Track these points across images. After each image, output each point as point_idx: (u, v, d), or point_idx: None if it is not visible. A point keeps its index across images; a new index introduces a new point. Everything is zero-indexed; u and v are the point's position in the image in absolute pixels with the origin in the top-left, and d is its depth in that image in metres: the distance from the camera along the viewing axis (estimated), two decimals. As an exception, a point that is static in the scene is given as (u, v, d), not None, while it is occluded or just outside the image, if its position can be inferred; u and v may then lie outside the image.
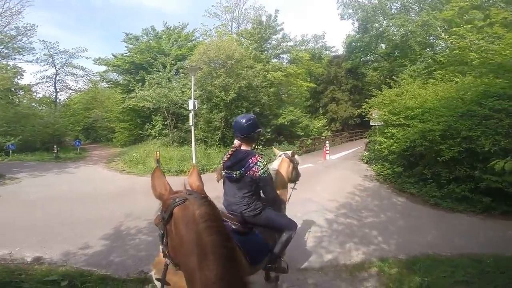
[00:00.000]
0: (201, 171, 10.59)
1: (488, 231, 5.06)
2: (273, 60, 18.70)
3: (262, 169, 2.17)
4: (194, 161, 10.84)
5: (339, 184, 8.28)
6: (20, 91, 27.04)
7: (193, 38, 21.68)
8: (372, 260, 3.81)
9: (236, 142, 2.31)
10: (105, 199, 6.98)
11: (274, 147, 3.61)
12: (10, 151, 14.41)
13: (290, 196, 3.03)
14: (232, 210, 2.28)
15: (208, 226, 0.92)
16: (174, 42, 19.58)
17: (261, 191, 2.33)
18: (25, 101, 25.82)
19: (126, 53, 20.36)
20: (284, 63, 20.28)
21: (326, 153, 13.79)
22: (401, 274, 3.44)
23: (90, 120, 28.60)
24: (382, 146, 9.10)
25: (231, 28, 25.57)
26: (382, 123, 10.48)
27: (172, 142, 14.64)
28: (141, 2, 54.52)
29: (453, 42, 11.96)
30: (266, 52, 18.31)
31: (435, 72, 11.73)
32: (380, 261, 3.75)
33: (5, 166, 12.11)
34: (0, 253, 3.81)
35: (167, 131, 15.76)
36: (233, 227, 2.15)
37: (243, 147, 2.30)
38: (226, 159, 2.27)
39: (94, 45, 57.34)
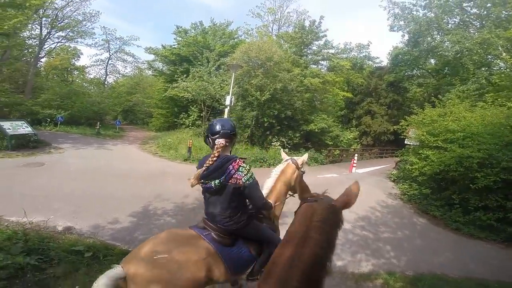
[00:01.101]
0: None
1: (504, 260, 4.93)
2: (312, 66, 18.58)
3: (245, 175, 1.90)
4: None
5: (361, 198, 8.02)
6: (75, 71, 30.08)
7: (236, 36, 22.26)
8: (379, 272, 3.86)
9: (219, 141, 1.97)
10: (138, 178, 7.39)
11: (283, 150, 3.38)
12: (59, 123, 15.91)
13: (282, 206, 2.70)
14: (214, 221, 2.02)
15: (317, 226, 1.01)
16: (219, 39, 20.30)
17: (247, 200, 2.09)
18: (78, 80, 28.62)
19: (174, 45, 21.50)
20: (323, 70, 20.04)
21: (353, 166, 13.51)
22: (405, 289, 3.47)
23: (130, 103, 30.66)
24: (414, 167, 8.77)
25: (272, 30, 25.91)
26: (418, 143, 10.05)
27: (204, 133, 15.28)
28: (193, -3, 57.15)
29: (514, 64, 11.02)
30: (305, 57, 18.25)
31: (486, 95, 10.94)
32: (387, 274, 3.80)
33: (52, 135, 13.10)
34: (36, 219, 3.94)
35: (200, 122, 16.49)
36: (215, 237, 1.97)
37: (224, 152, 2.00)
38: (209, 163, 1.91)
39: (146, 34, 61.36)
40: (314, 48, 18.78)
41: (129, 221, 4.57)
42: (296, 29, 18.79)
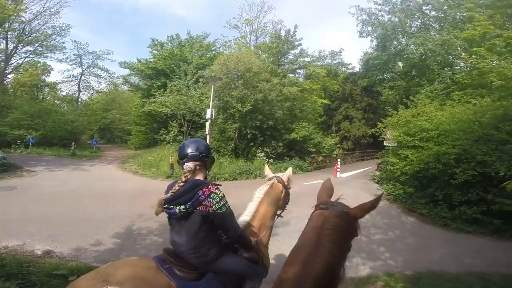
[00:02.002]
0: (213, 179, 10.80)
1: (497, 251, 5.05)
2: (289, 75, 19.01)
3: (217, 202, 1.66)
4: (207, 169, 11.09)
5: (349, 202, 8.10)
6: (46, 88, 28.70)
7: (213, 48, 22.43)
8: (378, 274, 3.85)
9: (189, 165, 1.76)
10: (119, 198, 7.15)
11: (267, 164, 3.03)
12: (30, 144, 15.04)
13: (271, 232, 2.42)
14: (180, 252, 1.75)
15: (328, 234, 0.99)
16: (196, 51, 20.29)
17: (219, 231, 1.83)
18: (49, 97, 27.27)
19: (150, 59, 21.23)
20: (300, 78, 20.56)
21: (337, 171, 13.75)
22: (407, 289, 3.47)
23: (107, 121, 29.61)
24: (395, 167, 9.04)
25: (250, 41, 26.35)
26: (396, 144, 10.43)
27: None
28: (167, 10, 57.37)
29: (473, 63, 11.87)
30: (282, 67, 18.67)
31: (453, 93, 11.64)
32: (387, 275, 3.80)
33: (24, 158, 12.56)
34: (11, 244, 3.81)
35: (181, 137, 16.18)
36: (177, 272, 1.67)
37: (195, 176, 1.79)
38: (175, 189, 1.69)
39: (120, 48, 60.52)
40: (291, 57, 19.36)
41: (112, 243, 4.39)
42: (273, 39, 19.25)
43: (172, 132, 16.74)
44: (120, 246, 4.27)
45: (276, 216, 2.50)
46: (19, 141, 14.96)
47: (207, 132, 11.18)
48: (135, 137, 22.83)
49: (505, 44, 9.44)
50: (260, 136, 14.56)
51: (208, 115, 11.02)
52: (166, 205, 1.70)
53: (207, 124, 11.10)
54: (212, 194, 1.67)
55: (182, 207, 1.64)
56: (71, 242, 4.23)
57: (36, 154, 14.53)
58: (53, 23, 21.78)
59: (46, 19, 20.95)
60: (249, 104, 13.60)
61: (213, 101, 11.76)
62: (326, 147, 20.06)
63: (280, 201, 2.47)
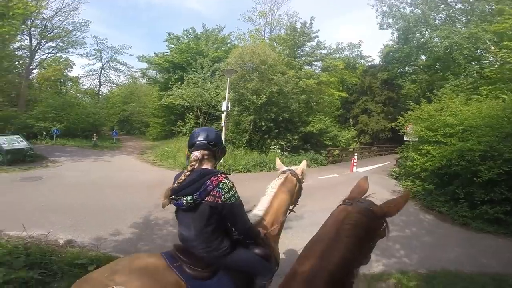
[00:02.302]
0: (227, 171, 10.93)
1: None
2: (305, 67, 18.68)
3: (226, 193, 1.58)
4: (221, 161, 11.22)
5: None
6: (69, 82, 29.93)
7: (228, 41, 22.38)
8: (391, 272, 3.79)
9: (196, 154, 1.68)
10: (137, 189, 7.33)
11: (278, 157, 2.91)
12: (55, 136, 15.72)
13: (282, 227, 2.32)
14: (189, 247, 1.67)
15: (347, 229, 0.99)
16: (212, 44, 20.33)
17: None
18: (71, 91, 28.42)
19: (167, 52, 21.50)
20: (317, 71, 20.16)
21: (354, 165, 13.50)
22: (419, 287, 3.45)
23: (126, 113, 30.44)
24: (415, 163, 8.77)
25: (264, 33, 26.06)
26: (417, 139, 10.07)
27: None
28: (182, 4, 57.65)
29: (504, 57, 11.18)
30: (298, 59, 18.34)
31: (480, 88, 11.05)
32: (400, 273, 3.75)
33: (49, 149, 13.03)
34: (36, 233, 3.93)
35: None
36: (188, 270, 1.60)
37: (202, 165, 1.71)
38: (181, 180, 1.63)
39: (137, 43, 61.54)
40: (307, 49, 18.97)
41: (131, 232, 4.51)
42: (288, 31, 18.97)
43: (189, 124, 17.00)
44: (138, 236, 4.37)
45: (289, 211, 2.42)
46: (44, 133, 15.66)
47: (222, 124, 11.30)
48: (153, 128, 23.32)
49: None
50: (275, 129, 14.50)
51: (224, 107, 11.09)
52: (173, 196, 1.62)
53: (223, 116, 11.20)
54: (221, 184, 1.59)
55: (190, 197, 1.56)
56: (91, 231, 4.38)
57: (60, 145, 15.12)
58: (73, 19, 22.56)
59: (66, 16, 21.74)
60: (264, 96, 13.53)
61: (228, 93, 11.79)
62: (343, 140, 19.64)
63: (294, 196, 2.39)
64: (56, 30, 21.50)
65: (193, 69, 17.90)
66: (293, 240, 4.65)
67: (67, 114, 17.99)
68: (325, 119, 17.50)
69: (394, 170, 12.28)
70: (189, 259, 1.63)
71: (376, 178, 11.41)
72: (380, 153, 23.30)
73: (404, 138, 12.31)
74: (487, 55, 15.75)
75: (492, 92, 9.84)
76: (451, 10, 18.69)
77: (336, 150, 17.33)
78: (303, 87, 15.74)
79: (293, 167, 2.51)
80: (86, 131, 18.72)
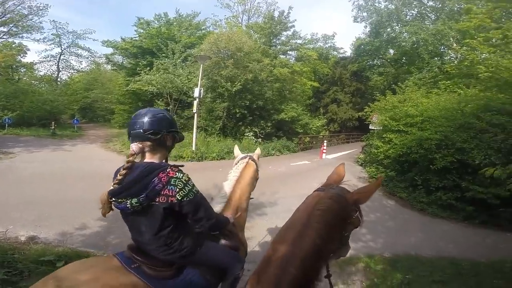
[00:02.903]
0: (200, 158, 10.81)
1: (468, 237, 5.36)
2: (280, 56, 18.75)
3: (181, 189, 1.34)
4: (194, 148, 11.04)
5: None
6: (22, 68, 27.22)
7: (203, 27, 21.60)
8: (359, 256, 4.01)
9: (132, 147, 1.41)
10: (103, 179, 6.81)
11: (236, 146, 2.68)
12: (6, 125, 14.36)
13: (246, 214, 2.22)
14: (144, 251, 1.46)
15: (318, 215, 0.97)
16: (185, 30, 19.52)
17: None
18: (25, 78, 25.91)
19: (135, 37, 20.28)
20: (291, 60, 20.32)
21: (323, 152, 14.00)
22: (385, 271, 3.69)
23: (89, 100, 28.47)
24: (379, 150, 9.33)
25: (241, 21, 25.53)
26: (381, 128, 10.68)
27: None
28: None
29: (464, 54, 12.05)
30: (274, 48, 18.34)
31: (440, 82, 11.89)
32: (367, 257, 3.97)
33: (0, 139, 11.88)
34: None
35: (169, 119, 15.84)
36: (148, 271, 1.40)
37: (146, 158, 1.43)
38: (118, 179, 1.37)
39: (104, 28, 56.91)
40: (283, 38, 19.09)
41: (98, 226, 4.25)
42: (266, 19, 18.80)
43: (158, 111, 16.30)
44: (107, 229, 4.14)
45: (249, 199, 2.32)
46: (-7, 122, 14.25)
47: (194, 111, 11.06)
48: (118, 115, 22.08)
49: (503, 36, 9.66)
50: (249, 116, 14.52)
51: (196, 94, 10.81)
52: (113, 199, 1.37)
53: (195, 102, 10.93)
54: (172, 180, 1.32)
55: (135, 200, 1.29)
56: (55, 226, 4.11)
57: (13, 134, 13.79)
58: (29, 3, 20.55)
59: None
60: (239, 83, 13.40)
61: (201, 80, 11.48)
62: (313, 128, 20.27)
63: (255, 181, 2.31)
64: (9, 15, 19.52)
65: (163, 55, 17.07)
66: (269, 226, 4.76)
67: (20, 102, 16.42)
68: (297, 108, 17.83)
69: (360, 157, 12.96)
70: (148, 260, 1.43)
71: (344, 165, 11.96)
72: (348, 140, 24.49)
73: (370, 127, 12.94)
74: (449, 51, 17.02)
75: (450, 86, 10.65)
76: (423, 7, 19.77)
77: (307, 138, 17.89)
78: (277, 76, 15.84)
79: (250, 154, 2.42)
80: (43, 119, 17.22)
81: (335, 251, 1.08)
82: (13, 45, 24.51)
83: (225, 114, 14.24)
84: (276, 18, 18.17)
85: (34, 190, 5.69)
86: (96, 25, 61.43)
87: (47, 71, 30.38)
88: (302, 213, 1.02)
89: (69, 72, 32.08)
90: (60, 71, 30.37)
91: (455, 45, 15.50)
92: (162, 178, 1.31)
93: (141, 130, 1.38)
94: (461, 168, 6.68)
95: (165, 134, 1.42)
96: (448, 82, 11.49)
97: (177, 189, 1.33)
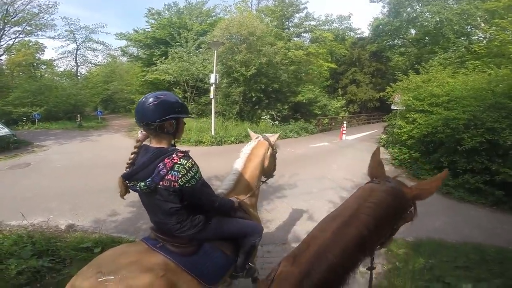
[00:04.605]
0: (219, 143, 11.01)
1: (495, 223, 5.13)
2: (294, 39, 18.25)
3: (184, 175, 1.40)
4: (213, 133, 11.27)
5: (355, 164, 8.22)
6: (42, 65, 28.30)
7: (213, 14, 21.35)
8: (381, 240, 4.00)
9: (140, 134, 1.57)
10: None
11: (250, 130, 2.81)
12: (36, 120, 15.11)
13: (258, 193, 2.28)
14: (163, 230, 1.57)
15: (369, 207, 0.94)
16: (196, 18, 19.39)
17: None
18: (47, 74, 26.96)
19: (148, 28, 20.40)
20: (306, 42, 19.75)
21: (343, 133, 13.78)
22: (408, 255, 3.64)
23: (109, 92, 29.26)
24: (402, 130, 9.01)
25: (251, 5, 24.82)
26: (404, 108, 10.27)
27: (191, 114, 15.03)
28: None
29: (493, 34, 11.30)
30: (287, 30, 17.88)
31: (467, 62, 11.23)
32: (390, 241, 3.95)
33: (32, 134, 12.51)
34: (36, 221, 3.93)
35: (185, 103, 16.04)
36: (172, 249, 1.53)
37: (153, 144, 1.52)
38: (128, 163, 1.52)
39: (113, 21, 57.21)
40: (296, 20, 18.56)
41: (128, 211, 4.48)
42: (276, 2, 18.25)
43: (177, 98, 16.56)
44: (137, 215, 4.32)
45: (261, 182, 2.37)
46: (24, 118, 14.99)
47: (211, 97, 11.20)
48: (138, 105, 22.68)
49: None
50: (265, 99, 14.44)
51: (212, 80, 10.89)
52: (127, 182, 1.50)
53: (212, 89, 11.03)
54: (176, 166, 1.39)
55: (143, 183, 1.40)
56: (90, 214, 4.37)
57: (43, 129, 14.56)
58: (38, 1, 20.74)
59: None
60: (253, 68, 13.26)
61: (216, 66, 11.49)
62: (332, 109, 19.85)
63: (267, 161, 2.31)
64: (20, 14, 19.88)
65: (177, 43, 17.10)
66: (288, 209, 4.83)
67: (45, 97, 17.15)
68: (314, 89, 17.52)
69: (382, 137, 12.55)
70: (169, 237, 1.55)
71: (365, 146, 11.74)
72: (368, 121, 23.88)
73: (392, 107, 12.50)
74: (477, 31, 15.96)
75: (479, 66, 10.00)
76: None
77: (326, 119, 17.63)
78: (292, 58, 15.54)
79: (267, 135, 2.46)
80: (69, 113, 18.02)
81: (382, 243, 1.05)
82: (30, 44, 25.49)
83: (241, 98, 14.23)
84: (287, 0, 17.58)
85: (67, 181, 6.04)
86: (105, 19, 61.86)
87: (66, 66, 31.63)
88: (351, 204, 0.97)
89: (87, 67, 33.10)
90: (79, 65, 31.39)
91: (483, 25, 14.54)
92: (167, 164, 1.39)
93: (140, 121, 1.47)
94: (491, 149, 6.29)
95: (159, 124, 1.44)
96: (477, 62, 10.82)
97: (180, 175, 1.40)
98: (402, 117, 9.80)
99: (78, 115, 16.63)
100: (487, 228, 4.86)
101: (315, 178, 6.70)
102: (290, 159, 8.33)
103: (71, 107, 18.62)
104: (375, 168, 1.15)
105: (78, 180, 6.06)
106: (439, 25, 16.83)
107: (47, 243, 3.17)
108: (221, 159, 7.00)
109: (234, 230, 1.79)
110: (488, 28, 12.72)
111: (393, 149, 9.97)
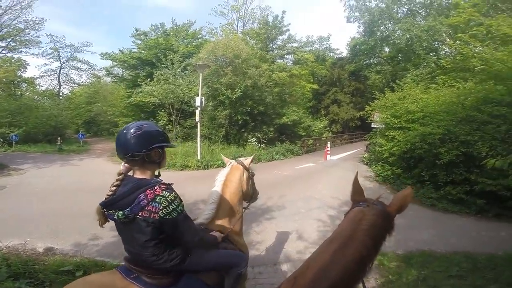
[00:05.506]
0: (206, 167, 10.86)
1: (481, 231, 5.27)
2: (278, 60, 18.98)
3: (165, 207, 1.36)
4: (199, 157, 11.11)
5: (340, 183, 8.39)
6: (23, 83, 27.46)
7: (199, 36, 21.88)
8: (372, 254, 4.02)
9: (122, 167, 1.51)
10: None
11: (222, 155, 2.86)
12: (14, 142, 14.49)
13: (242, 219, 2.20)
14: (137, 261, 1.49)
15: (365, 229, 0.98)
16: (182, 40, 19.78)
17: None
18: (28, 93, 26.17)
19: (133, 49, 20.58)
20: (289, 64, 20.55)
21: (327, 154, 14.03)
22: (399, 267, 3.67)
23: (92, 113, 28.69)
24: (383, 148, 9.34)
25: (237, 27, 25.82)
26: (383, 126, 10.73)
27: (176, 138, 14.88)
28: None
29: (457, 48, 12.19)
30: (271, 52, 18.57)
31: (437, 77, 11.99)
32: (380, 255, 3.96)
33: (8, 157, 12.08)
34: (12, 243, 3.79)
35: (171, 126, 15.97)
36: (147, 280, 1.45)
37: (137, 175, 1.49)
38: (109, 193, 1.47)
39: (99, 40, 57.67)
40: (279, 43, 19.40)
41: (112, 236, 4.23)
42: (261, 25, 19.15)
43: (161, 121, 16.36)
44: (120, 239, 4.22)
45: (244, 209, 2.28)
46: (1, 140, 14.39)
47: (197, 120, 11.20)
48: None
49: (486, 32, 9.77)
50: (251, 122, 14.64)
51: (197, 103, 10.95)
52: (104, 210, 1.46)
53: (197, 112, 11.07)
54: (158, 198, 1.36)
55: (121, 213, 1.37)
56: (70, 238, 4.23)
57: (21, 151, 14.01)
58: (25, 17, 20.60)
59: (17, 13, 19.79)
60: (239, 90, 13.53)
61: (202, 88, 11.64)
62: (316, 130, 20.40)
63: (244, 185, 2.25)
64: (5, 30, 19.67)
65: (163, 65, 17.29)
66: (277, 230, 4.79)
67: (25, 118, 16.64)
68: (298, 111, 17.99)
69: (364, 156, 12.98)
70: (144, 269, 1.47)
71: (349, 165, 12.01)
72: (351, 140, 24.47)
73: (372, 126, 12.95)
74: (443, 46, 17.14)
75: (448, 81, 10.73)
76: (412, 4, 20.02)
77: (310, 140, 17.95)
78: (276, 80, 16.00)
79: (240, 159, 2.42)
80: (49, 135, 17.45)
81: (373, 261, 1.09)
82: (13, 60, 24.81)
83: (227, 121, 14.35)
84: (270, 23, 18.50)
85: (46, 204, 5.83)
86: (91, 38, 62.31)
87: (49, 85, 30.40)
88: (346, 227, 1.03)
89: (70, 86, 32.10)
90: (61, 85, 30.40)
91: (448, 40, 15.65)
92: (149, 195, 1.36)
93: (122, 155, 1.45)
94: (468, 161, 6.62)
95: (145, 154, 1.43)
96: (445, 76, 11.60)
97: (161, 207, 1.35)
98: (382, 135, 10.22)
99: (59, 138, 16.05)
100: (474, 237, 4.98)
101: (302, 198, 6.75)
102: (277, 181, 8.34)
103: (51, 129, 18.07)
104: (357, 193, 1.22)
105: (57, 204, 5.87)
106: (409, 42, 17.94)
107: (24, 265, 3.07)
108: (207, 184, 6.86)
109: (218, 262, 1.71)
110: (453, 43, 13.64)
111: (376, 166, 10.27)
